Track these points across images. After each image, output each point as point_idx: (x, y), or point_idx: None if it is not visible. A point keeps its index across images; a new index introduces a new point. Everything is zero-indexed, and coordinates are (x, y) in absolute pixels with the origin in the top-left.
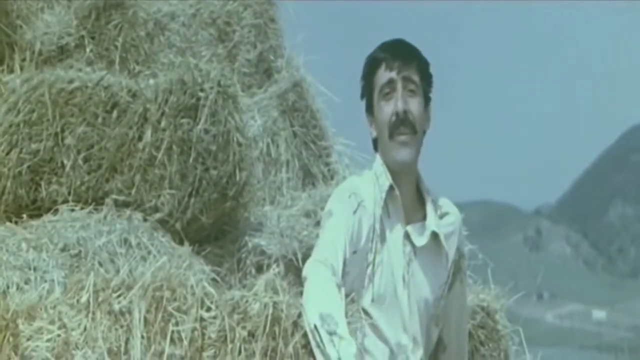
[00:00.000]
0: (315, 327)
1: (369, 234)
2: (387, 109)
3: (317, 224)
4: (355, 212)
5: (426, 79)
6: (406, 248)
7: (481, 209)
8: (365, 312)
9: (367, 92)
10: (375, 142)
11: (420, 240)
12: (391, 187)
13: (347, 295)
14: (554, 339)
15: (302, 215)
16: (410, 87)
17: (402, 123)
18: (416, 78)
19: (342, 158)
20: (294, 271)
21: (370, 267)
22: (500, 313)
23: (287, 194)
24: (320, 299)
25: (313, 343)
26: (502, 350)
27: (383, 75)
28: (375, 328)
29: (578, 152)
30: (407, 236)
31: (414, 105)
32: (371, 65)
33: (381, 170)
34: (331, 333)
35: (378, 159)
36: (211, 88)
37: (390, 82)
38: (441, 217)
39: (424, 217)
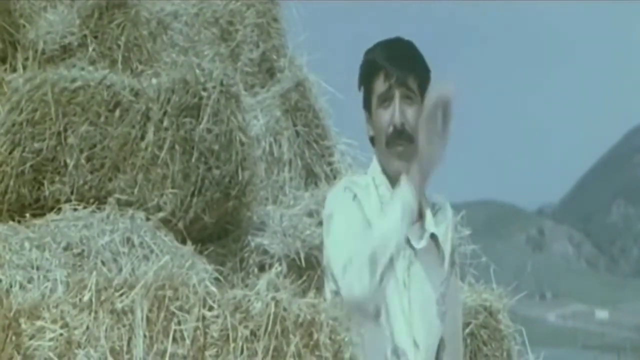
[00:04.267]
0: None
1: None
2: (385, 118)
3: (320, 223)
4: (354, 199)
5: (424, 83)
6: (406, 252)
7: (484, 208)
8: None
9: (366, 93)
10: (372, 139)
11: (420, 243)
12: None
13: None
14: (556, 338)
15: (304, 214)
16: (408, 95)
17: (399, 135)
18: (414, 85)
19: (344, 157)
20: (296, 270)
21: None
22: (502, 313)
23: (289, 194)
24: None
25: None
26: (504, 350)
27: (382, 84)
28: (374, 333)
29: (581, 152)
30: (406, 240)
31: (411, 114)
32: (370, 70)
33: (381, 180)
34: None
35: (375, 164)
36: (214, 87)
37: (388, 91)
38: (435, 213)
39: (421, 216)
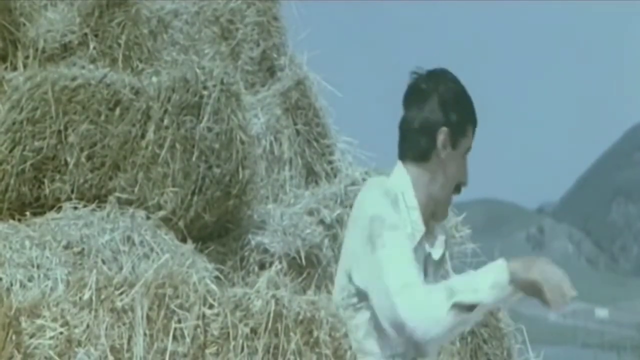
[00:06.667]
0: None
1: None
2: (463, 169)
3: (320, 221)
4: (392, 205)
5: None
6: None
7: (484, 207)
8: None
9: (461, 125)
10: (430, 151)
11: (437, 253)
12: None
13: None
14: (556, 337)
15: (305, 213)
16: None
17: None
18: None
19: (345, 156)
20: (297, 268)
21: None
22: (503, 311)
23: (290, 192)
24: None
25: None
26: (505, 348)
27: (470, 138)
28: (377, 335)
29: (581, 151)
30: (428, 255)
31: None
32: (470, 117)
33: (413, 203)
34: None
35: (407, 181)
36: (214, 86)
37: (469, 148)
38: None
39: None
